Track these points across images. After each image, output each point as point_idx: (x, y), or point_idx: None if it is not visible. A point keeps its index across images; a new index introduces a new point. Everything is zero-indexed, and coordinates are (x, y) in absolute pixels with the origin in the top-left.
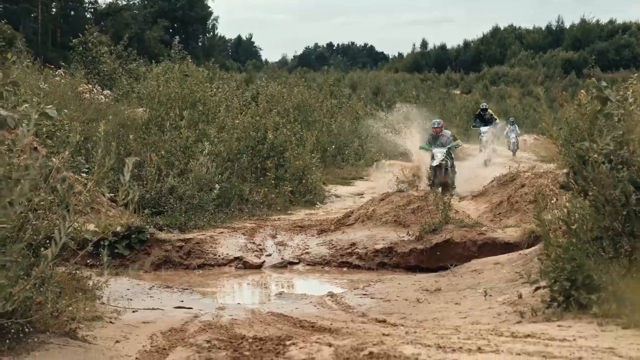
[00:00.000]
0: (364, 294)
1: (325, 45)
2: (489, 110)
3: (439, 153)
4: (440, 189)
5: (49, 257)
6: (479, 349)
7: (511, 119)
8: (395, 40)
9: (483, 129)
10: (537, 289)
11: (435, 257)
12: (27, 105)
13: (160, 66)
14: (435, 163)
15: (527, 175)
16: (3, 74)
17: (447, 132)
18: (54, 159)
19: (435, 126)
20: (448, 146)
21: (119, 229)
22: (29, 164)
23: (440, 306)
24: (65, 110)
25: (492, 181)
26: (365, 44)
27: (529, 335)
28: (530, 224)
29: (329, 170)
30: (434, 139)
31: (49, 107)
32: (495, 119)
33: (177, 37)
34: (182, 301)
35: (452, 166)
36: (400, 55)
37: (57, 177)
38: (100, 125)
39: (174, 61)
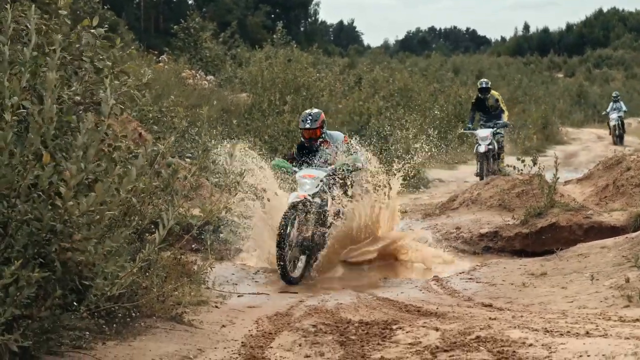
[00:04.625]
0: (470, 278)
1: (427, 29)
2: (492, 91)
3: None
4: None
5: (155, 241)
6: (587, 333)
7: (615, 94)
8: (497, 24)
9: (481, 133)
10: None
11: (540, 241)
12: (133, 92)
13: (263, 51)
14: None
15: (633, 158)
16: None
17: (336, 136)
18: (159, 145)
19: (308, 126)
20: (335, 167)
21: (223, 213)
22: (135, 150)
23: (546, 290)
24: (172, 97)
25: (598, 164)
26: (468, 28)
27: (637, 320)
28: (637, 207)
29: (432, 155)
30: (304, 152)
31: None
32: (502, 112)
33: (279, 22)
34: (289, 285)
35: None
36: (502, 39)
37: (162, 163)
38: (204, 111)
39: (277, 46)
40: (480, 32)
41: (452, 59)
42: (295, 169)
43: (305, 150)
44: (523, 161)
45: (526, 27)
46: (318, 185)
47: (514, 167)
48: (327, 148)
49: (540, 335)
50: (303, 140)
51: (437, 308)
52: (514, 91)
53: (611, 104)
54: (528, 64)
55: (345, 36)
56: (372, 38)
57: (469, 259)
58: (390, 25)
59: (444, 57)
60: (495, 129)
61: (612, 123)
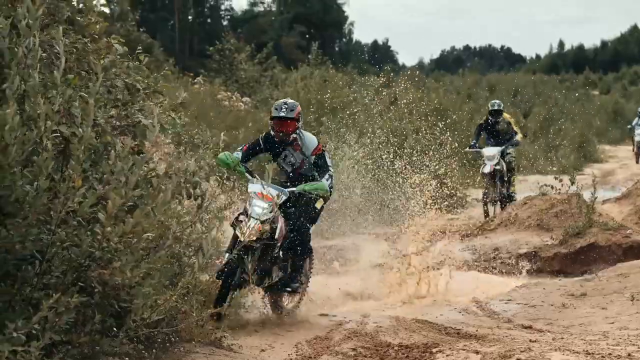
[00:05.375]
0: (509, 300)
1: (462, 48)
2: (504, 114)
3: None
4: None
5: (195, 267)
6: (629, 355)
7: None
8: (532, 41)
9: (488, 152)
10: None
11: (579, 261)
12: (170, 114)
13: (298, 72)
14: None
15: None
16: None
17: (309, 141)
18: (194, 165)
19: (283, 115)
20: (296, 190)
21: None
22: (170, 172)
23: (586, 311)
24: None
25: (636, 183)
26: (502, 46)
27: None
28: None
29: (468, 175)
30: (268, 147)
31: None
32: (515, 134)
33: (314, 42)
34: (328, 308)
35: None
36: (537, 56)
37: (193, 182)
38: (240, 132)
39: (313, 66)
40: (515, 50)
41: (487, 77)
42: (249, 176)
43: (271, 145)
44: (560, 180)
45: (561, 44)
46: (273, 211)
47: (552, 187)
48: (295, 151)
49: (581, 357)
50: (272, 133)
51: (476, 330)
52: (550, 109)
53: (637, 119)
54: (563, 82)
55: (380, 55)
56: (407, 57)
57: (508, 280)
58: (425, 44)
59: (479, 75)
60: (504, 147)
61: (636, 138)
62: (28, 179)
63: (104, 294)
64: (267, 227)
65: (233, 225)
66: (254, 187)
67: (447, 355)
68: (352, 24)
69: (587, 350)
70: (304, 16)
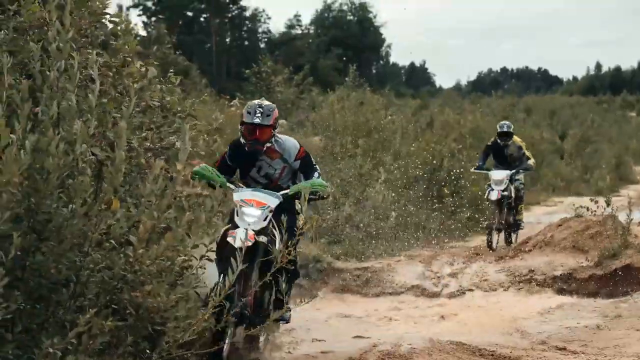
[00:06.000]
0: (544, 321)
1: (499, 70)
2: (514, 137)
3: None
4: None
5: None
6: None
7: None
8: (569, 63)
9: (496, 175)
10: None
11: (614, 282)
12: (204, 136)
13: (335, 94)
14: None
15: None
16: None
17: (289, 145)
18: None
19: (257, 121)
20: (291, 191)
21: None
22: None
23: (621, 333)
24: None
25: None
26: (540, 68)
27: None
28: None
29: None
30: (240, 159)
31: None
32: (528, 159)
33: (352, 65)
34: (362, 330)
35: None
36: (574, 78)
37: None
38: None
39: (349, 88)
40: (552, 72)
41: (523, 99)
42: (231, 185)
43: (242, 156)
44: (596, 202)
45: (598, 66)
46: (267, 217)
47: (587, 208)
48: (273, 159)
49: None
50: (242, 141)
51: (510, 352)
52: (586, 131)
53: None
54: (600, 103)
55: (417, 78)
56: (444, 79)
57: (542, 301)
58: (462, 66)
59: (516, 97)
60: (514, 171)
61: None
62: (63, 201)
63: (138, 317)
64: (263, 238)
65: (220, 247)
66: (241, 194)
67: None
68: (389, 46)
69: None
70: (341, 38)
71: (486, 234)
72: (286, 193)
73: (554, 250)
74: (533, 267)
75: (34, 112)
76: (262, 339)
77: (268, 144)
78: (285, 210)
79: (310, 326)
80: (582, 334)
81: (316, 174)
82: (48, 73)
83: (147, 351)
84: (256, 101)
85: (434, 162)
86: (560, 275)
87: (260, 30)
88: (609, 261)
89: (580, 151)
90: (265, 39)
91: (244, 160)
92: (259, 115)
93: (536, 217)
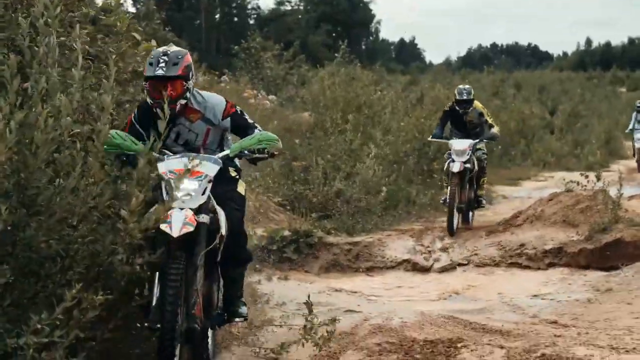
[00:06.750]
0: (534, 295)
1: (489, 46)
2: (475, 103)
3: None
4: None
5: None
6: None
7: (638, 104)
8: (559, 40)
9: (457, 145)
10: None
11: (605, 256)
12: None
13: (325, 70)
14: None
15: None
16: None
17: (213, 101)
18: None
19: (160, 73)
20: (231, 151)
21: (286, 233)
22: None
23: (612, 306)
24: None
25: None
26: (529, 44)
27: None
28: None
29: (495, 171)
30: (149, 124)
31: None
32: (491, 126)
33: (342, 41)
34: (353, 305)
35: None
36: (564, 54)
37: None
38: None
39: (340, 65)
40: (542, 48)
41: (513, 74)
42: (156, 154)
43: (151, 119)
44: (586, 176)
45: (588, 42)
46: (206, 189)
47: (578, 183)
48: (193, 122)
49: (606, 352)
50: (149, 101)
51: (502, 325)
52: (576, 106)
53: (634, 114)
54: (591, 79)
55: (406, 54)
56: (433, 55)
57: (533, 275)
58: (452, 43)
59: (506, 73)
60: (477, 140)
61: (637, 145)
62: (50, 176)
63: (127, 290)
64: (204, 217)
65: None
66: (168, 163)
67: (472, 350)
68: (379, 22)
69: (611, 345)
70: (330, 15)
71: (447, 213)
72: (226, 154)
73: (544, 225)
74: (524, 241)
75: (22, 87)
76: (209, 341)
77: (182, 101)
78: (220, 179)
79: (302, 300)
80: (573, 308)
81: (257, 130)
82: (37, 48)
83: (138, 325)
84: (161, 48)
85: (424, 137)
86: (551, 249)
87: (249, 6)
88: (600, 235)
89: (570, 126)
90: (255, 16)
91: (155, 127)
92: (163, 64)
93: (527, 192)
